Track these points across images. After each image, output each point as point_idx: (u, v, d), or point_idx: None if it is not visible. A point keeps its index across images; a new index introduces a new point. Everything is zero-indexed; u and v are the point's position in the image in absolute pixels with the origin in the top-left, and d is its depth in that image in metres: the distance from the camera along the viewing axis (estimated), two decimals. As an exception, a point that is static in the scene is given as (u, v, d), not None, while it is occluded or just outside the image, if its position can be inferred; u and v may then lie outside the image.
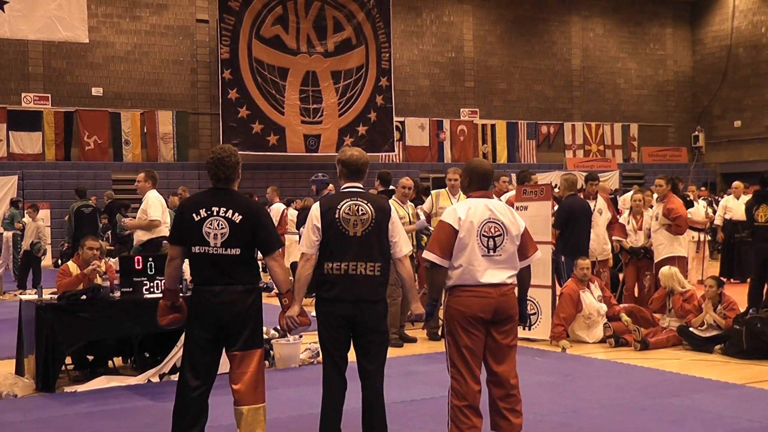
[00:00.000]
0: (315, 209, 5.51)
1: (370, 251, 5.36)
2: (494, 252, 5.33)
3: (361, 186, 5.61)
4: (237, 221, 5.34)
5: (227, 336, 5.37)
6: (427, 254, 5.40)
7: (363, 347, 5.45)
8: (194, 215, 5.35)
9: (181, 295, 5.71)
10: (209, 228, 5.32)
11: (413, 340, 10.27)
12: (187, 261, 5.56)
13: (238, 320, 5.35)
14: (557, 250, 11.12)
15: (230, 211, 5.35)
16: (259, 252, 5.51)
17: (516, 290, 5.48)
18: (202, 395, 5.39)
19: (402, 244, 5.47)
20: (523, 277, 5.54)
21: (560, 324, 9.80)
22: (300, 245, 5.63)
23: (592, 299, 9.98)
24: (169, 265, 5.52)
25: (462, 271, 5.31)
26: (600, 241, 11.54)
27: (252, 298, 5.41)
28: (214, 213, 5.34)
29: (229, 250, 5.33)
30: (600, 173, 28.85)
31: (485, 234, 5.32)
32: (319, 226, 5.39)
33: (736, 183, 16.35)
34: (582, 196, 11.78)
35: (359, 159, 5.60)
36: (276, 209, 15.98)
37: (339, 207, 5.40)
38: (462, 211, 5.38)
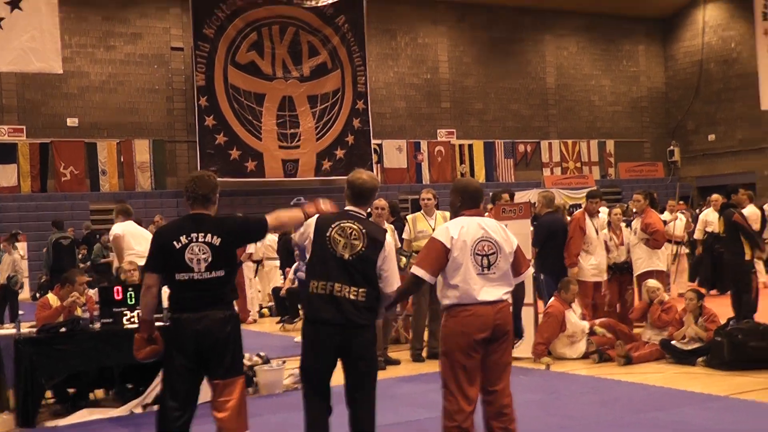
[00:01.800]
0: (312, 221, 5.44)
1: (354, 277, 5.25)
2: (488, 270, 5.33)
3: (363, 213, 5.50)
4: (217, 244, 5.32)
5: (207, 364, 5.32)
6: (416, 269, 5.34)
7: (351, 375, 5.32)
8: (174, 242, 5.31)
9: (159, 324, 5.65)
10: (191, 254, 5.29)
11: (396, 363, 10.23)
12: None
13: (217, 348, 5.30)
14: (536, 268, 11.13)
15: (209, 236, 5.33)
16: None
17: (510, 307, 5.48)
18: (184, 424, 5.33)
19: (392, 279, 5.37)
20: (518, 293, 5.55)
21: (542, 343, 9.82)
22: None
23: (576, 318, 10.01)
24: (146, 294, 5.43)
25: (459, 290, 5.29)
26: (605, 260, 11.32)
27: (230, 325, 5.36)
28: (194, 239, 5.31)
29: (214, 273, 5.31)
30: (578, 190, 29.14)
31: (479, 252, 5.32)
32: (311, 238, 5.36)
33: (714, 196, 16.44)
34: (561, 214, 11.83)
35: (365, 184, 5.49)
36: None
37: (332, 226, 5.33)
38: (455, 230, 5.37)
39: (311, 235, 5.38)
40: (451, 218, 5.67)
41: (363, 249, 5.28)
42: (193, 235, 5.33)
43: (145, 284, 5.46)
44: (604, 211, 13.31)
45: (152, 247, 5.47)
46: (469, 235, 5.35)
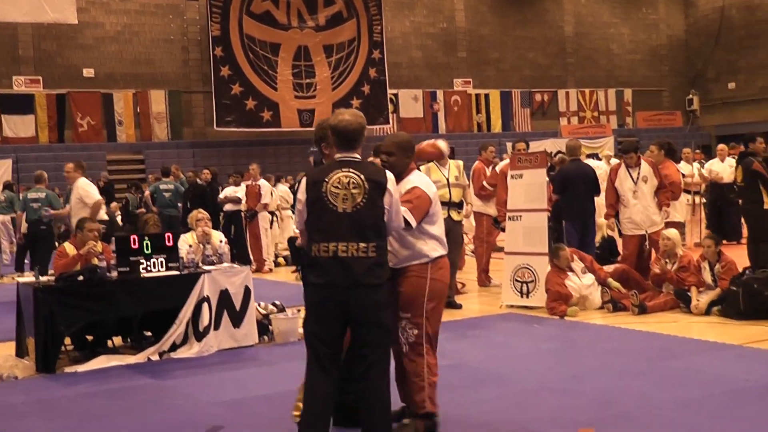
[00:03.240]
0: (302, 183, 4.91)
1: (363, 230, 4.71)
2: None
3: (357, 156, 4.92)
4: None
5: None
6: (411, 219, 5.13)
7: (359, 341, 4.83)
8: None
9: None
10: None
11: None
12: None
13: None
14: (557, 216, 11.16)
15: None
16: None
17: None
18: None
19: (397, 214, 4.94)
20: None
21: (558, 301, 9.63)
22: (294, 223, 5.27)
23: (578, 280, 9.82)
24: None
25: (441, 240, 5.36)
26: (648, 212, 10.64)
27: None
28: None
29: None
30: (595, 139, 28.96)
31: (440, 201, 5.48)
32: (304, 200, 4.85)
33: (720, 146, 16.39)
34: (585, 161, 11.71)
35: (351, 124, 4.93)
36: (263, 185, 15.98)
37: (327, 179, 4.77)
38: (430, 183, 5.44)
39: (304, 197, 4.85)
40: (399, 175, 5.32)
41: (366, 195, 4.75)
42: None
43: None
44: (600, 165, 13.10)
45: None
46: (433, 186, 5.46)
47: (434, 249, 5.30)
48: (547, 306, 9.70)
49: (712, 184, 15.82)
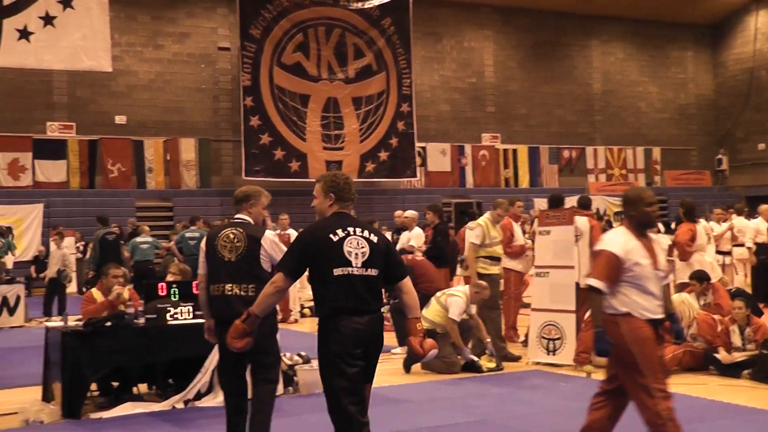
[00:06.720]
0: (205, 237, 6.41)
1: (243, 274, 6.08)
2: None
3: (244, 217, 6.37)
4: (375, 241, 5.06)
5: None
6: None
7: (251, 364, 6.17)
8: (331, 236, 5.07)
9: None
10: (350, 248, 5.01)
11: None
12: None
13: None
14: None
15: (365, 232, 5.09)
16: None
17: None
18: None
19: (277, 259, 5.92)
20: None
21: (585, 351, 9.67)
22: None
23: None
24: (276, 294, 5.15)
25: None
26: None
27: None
28: (351, 233, 5.07)
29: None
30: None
31: None
32: (204, 252, 6.29)
33: (764, 206, 16.22)
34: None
35: (240, 191, 6.56)
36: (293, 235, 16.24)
37: (219, 235, 6.23)
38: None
39: (204, 249, 6.30)
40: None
41: (245, 248, 6.15)
42: (350, 229, 5.09)
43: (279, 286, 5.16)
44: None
45: (296, 246, 5.31)
46: None
47: (623, 305, 5.65)
48: (578, 341, 9.71)
49: (759, 245, 15.65)
